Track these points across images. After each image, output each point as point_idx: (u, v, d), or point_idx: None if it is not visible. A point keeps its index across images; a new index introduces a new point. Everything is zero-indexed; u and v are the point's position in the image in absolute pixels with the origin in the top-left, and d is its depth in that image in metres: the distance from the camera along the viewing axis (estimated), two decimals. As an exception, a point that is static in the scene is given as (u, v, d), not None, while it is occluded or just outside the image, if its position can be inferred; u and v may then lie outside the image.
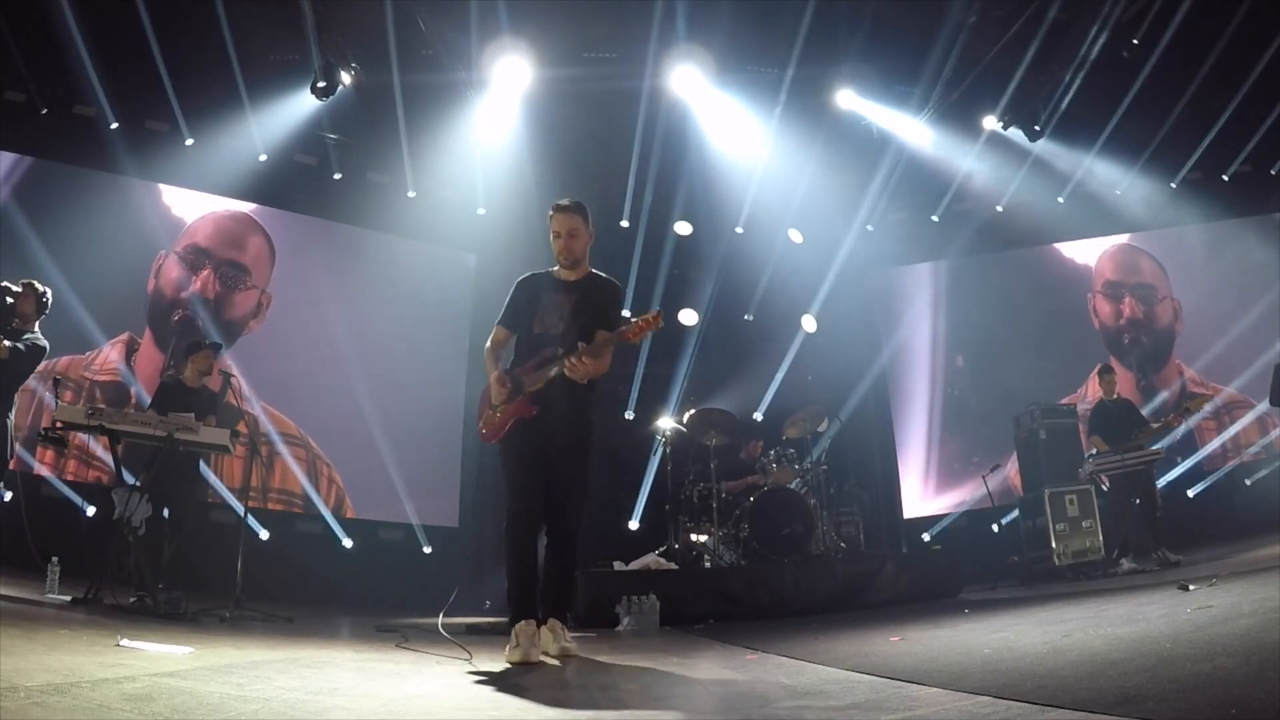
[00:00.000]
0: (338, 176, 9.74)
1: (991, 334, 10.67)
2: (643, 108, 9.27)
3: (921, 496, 10.35)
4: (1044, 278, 10.80)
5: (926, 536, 9.82)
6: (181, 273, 8.90)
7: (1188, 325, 10.17)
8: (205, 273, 9.01)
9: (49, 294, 5.44)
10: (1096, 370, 8.02)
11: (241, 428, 6.60)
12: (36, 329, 5.33)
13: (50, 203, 8.29)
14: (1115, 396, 7.72)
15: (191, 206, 9.10)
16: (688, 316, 10.21)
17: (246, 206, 9.35)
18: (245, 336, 9.14)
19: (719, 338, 10.17)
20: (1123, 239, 10.62)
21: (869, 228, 10.87)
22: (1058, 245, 10.76)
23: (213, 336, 8.17)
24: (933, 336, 10.78)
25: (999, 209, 10.50)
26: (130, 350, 8.45)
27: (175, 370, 6.47)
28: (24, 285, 5.29)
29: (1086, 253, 10.74)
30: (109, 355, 8.30)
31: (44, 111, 8.27)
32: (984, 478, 8.48)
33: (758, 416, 9.68)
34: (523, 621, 3.60)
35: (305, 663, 3.35)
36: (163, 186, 8.95)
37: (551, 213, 4.29)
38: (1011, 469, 8.96)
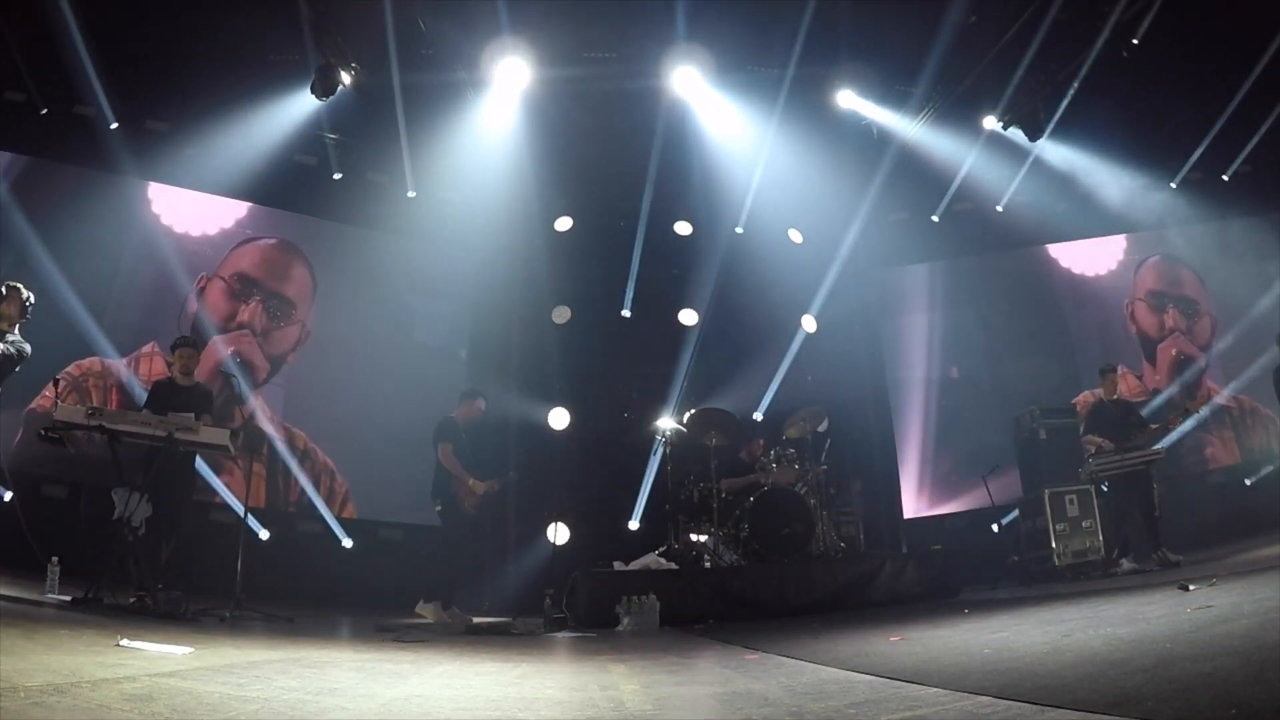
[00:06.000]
0: (338, 176, 9.74)
1: (991, 334, 10.67)
2: (643, 108, 9.27)
3: (919, 499, 10.34)
4: (1044, 278, 10.80)
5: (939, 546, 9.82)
6: (227, 301, 8.94)
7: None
8: (254, 304, 9.05)
9: (32, 298, 5.37)
10: (1100, 370, 8.00)
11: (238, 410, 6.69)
12: (18, 332, 5.27)
13: (50, 203, 8.29)
14: (1115, 397, 7.71)
15: (191, 207, 9.09)
16: (688, 316, 10.21)
17: (246, 207, 9.34)
18: (287, 367, 9.22)
19: (719, 338, 10.16)
20: (1153, 253, 10.64)
21: (868, 228, 10.87)
22: (1058, 246, 10.76)
23: (254, 370, 8.43)
24: (932, 337, 10.77)
25: (999, 209, 10.49)
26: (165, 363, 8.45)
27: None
28: (9, 288, 5.19)
29: (1087, 254, 10.75)
30: (154, 365, 8.35)
31: (44, 111, 8.27)
32: (984, 478, 8.49)
33: (758, 416, 9.68)
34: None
35: (305, 663, 3.35)
36: (164, 187, 8.95)
37: (483, 403, 7.39)
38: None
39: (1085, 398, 9.65)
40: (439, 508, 6.88)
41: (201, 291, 8.85)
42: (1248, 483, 9.27)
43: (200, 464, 6.58)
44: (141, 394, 8.04)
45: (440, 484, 6.90)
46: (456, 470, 6.84)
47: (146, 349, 8.46)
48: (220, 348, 8.69)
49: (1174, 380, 10.01)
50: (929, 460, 10.41)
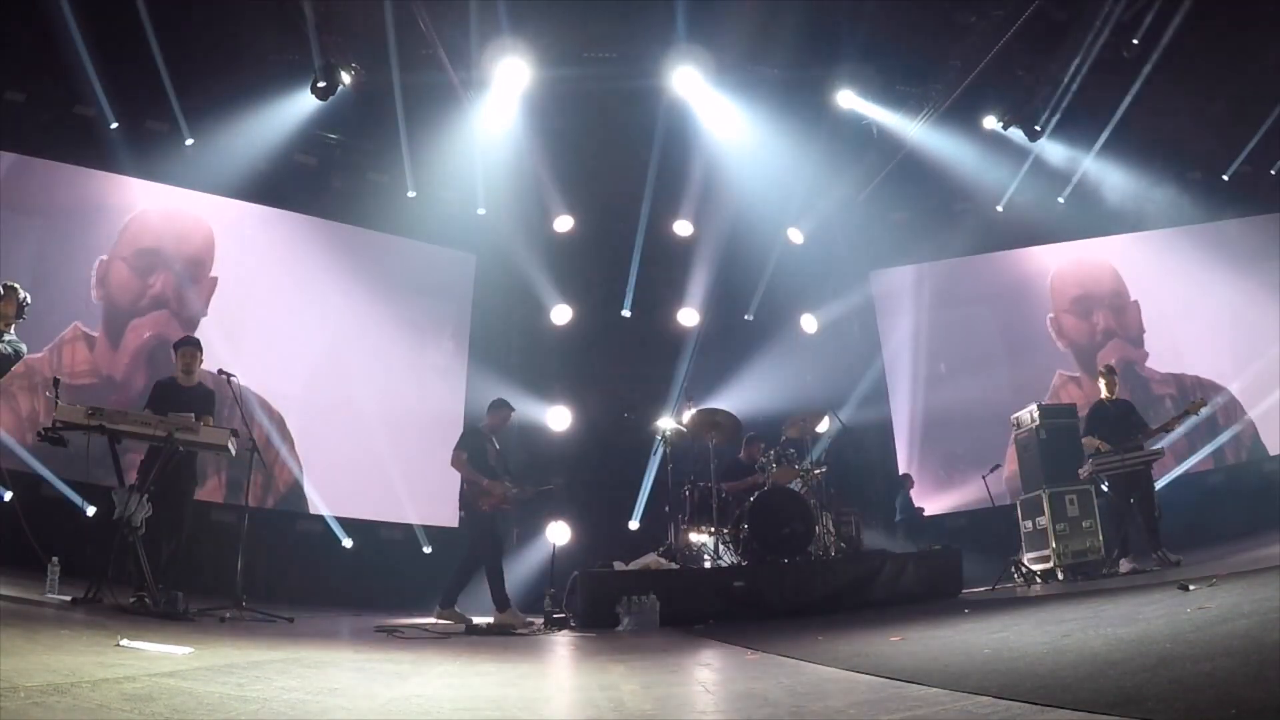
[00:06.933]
0: (336, 177, 9.74)
1: (992, 333, 10.67)
2: (643, 108, 9.27)
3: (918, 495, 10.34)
4: (1040, 278, 10.80)
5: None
6: (135, 280, 8.66)
7: (1187, 326, 10.15)
8: (162, 276, 8.79)
9: (29, 297, 5.39)
10: (1100, 370, 7.99)
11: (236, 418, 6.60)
12: (14, 332, 5.29)
13: (49, 202, 8.30)
14: (1115, 397, 7.70)
15: (189, 206, 9.10)
16: (688, 316, 10.20)
17: (246, 206, 9.34)
18: (214, 324, 8.89)
19: (719, 338, 10.17)
20: (1071, 250, 10.69)
21: (868, 228, 10.88)
22: (1057, 245, 10.77)
23: (177, 334, 8.13)
24: (932, 336, 10.78)
25: (999, 209, 10.49)
26: (89, 347, 8.23)
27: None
28: (6, 287, 5.19)
29: (1086, 253, 10.75)
30: (76, 354, 8.10)
31: (45, 112, 8.27)
32: (984, 478, 8.49)
33: (759, 417, 9.69)
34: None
35: (305, 663, 3.35)
36: (163, 186, 8.95)
37: (510, 412, 7.43)
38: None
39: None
40: (462, 514, 6.97)
41: (104, 276, 8.53)
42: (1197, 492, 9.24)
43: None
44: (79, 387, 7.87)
45: (464, 492, 6.94)
46: (468, 474, 6.85)
47: (68, 333, 8.18)
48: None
49: (1121, 391, 9.94)
50: (922, 457, 10.41)
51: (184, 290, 8.89)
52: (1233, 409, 9.74)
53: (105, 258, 8.58)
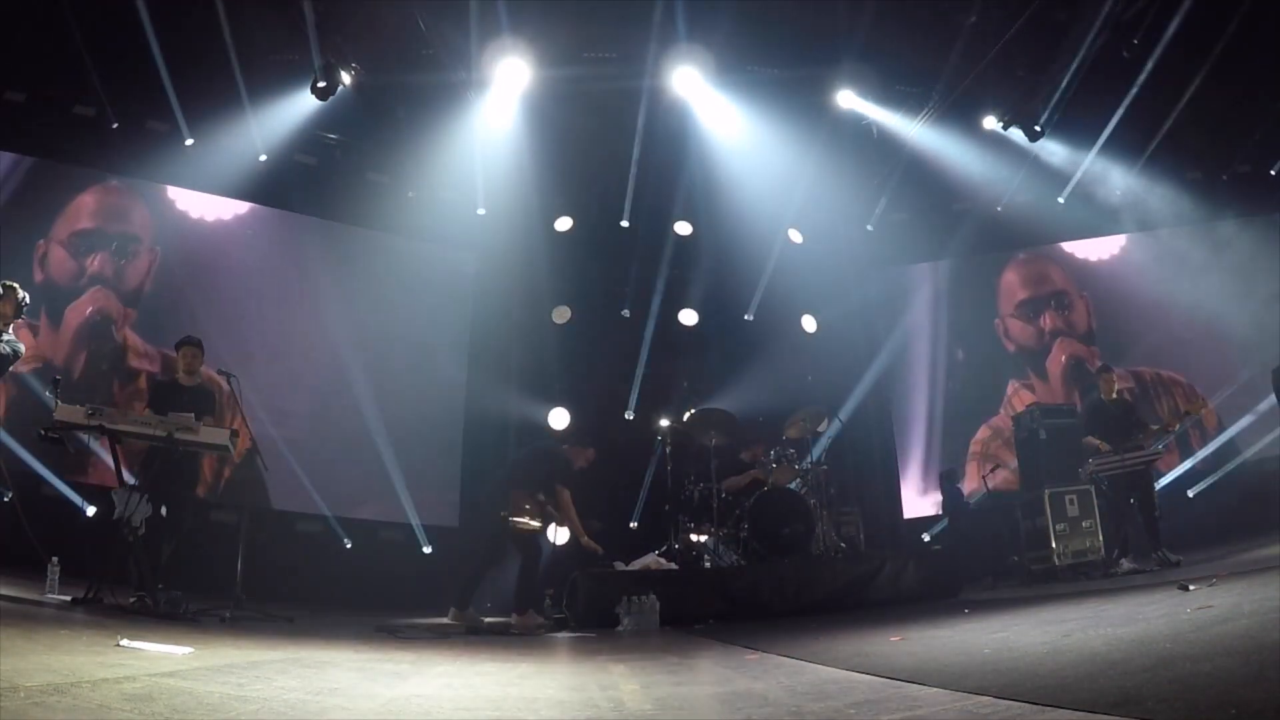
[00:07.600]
0: (336, 176, 9.75)
1: (991, 332, 10.68)
2: (643, 108, 9.26)
3: (919, 495, 10.34)
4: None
5: (926, 536, 9.82)
6: (72, 261, 8.56)
7: (1193, 326, 10.11)
8: (100, 254, 8.67)
9: (28, 297, 5.39)
10: (1096, 370, 8.01)
11: (239, 426, 6.55)
12: (11, 331, 5.30)
13: (50, 203, 8.29)
14: (1114, 397, 7.70)
15: (193, 206, 9.10)
16: (688, 316, 10.20)
17: (246, 207, 9.34)
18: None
19: (719, 338, 10.17)
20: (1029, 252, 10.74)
21: (869, 228, 10.88)
22: (1057, 245, 10.77)
23: (118, 320, 8.21)
24: (933, 337, 10.78)
25: (999, 209, 10.49)
26: (32, 334, 8.06)
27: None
28: (5, 287, 5.21)
29: (1086, 252, 10.76)
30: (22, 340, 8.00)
31: (45, 112, 8.27)
32: (984, 477, 8.50)
33: (759, 417, 9.69)
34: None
35: (305, 663, 3.35)
36: (164, 187, 8.94)
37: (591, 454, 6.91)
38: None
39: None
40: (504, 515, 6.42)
41: (43, 259, 8.43)
42: (1190, 494, 9.21)
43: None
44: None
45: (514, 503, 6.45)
46: (570, 515, 6.49)
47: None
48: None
49: (1072, 390, 9.93)
50: (924, 456, 10.40)
51: (123, 266, 8.76)
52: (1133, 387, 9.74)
53: (43, 241, 8.47)
